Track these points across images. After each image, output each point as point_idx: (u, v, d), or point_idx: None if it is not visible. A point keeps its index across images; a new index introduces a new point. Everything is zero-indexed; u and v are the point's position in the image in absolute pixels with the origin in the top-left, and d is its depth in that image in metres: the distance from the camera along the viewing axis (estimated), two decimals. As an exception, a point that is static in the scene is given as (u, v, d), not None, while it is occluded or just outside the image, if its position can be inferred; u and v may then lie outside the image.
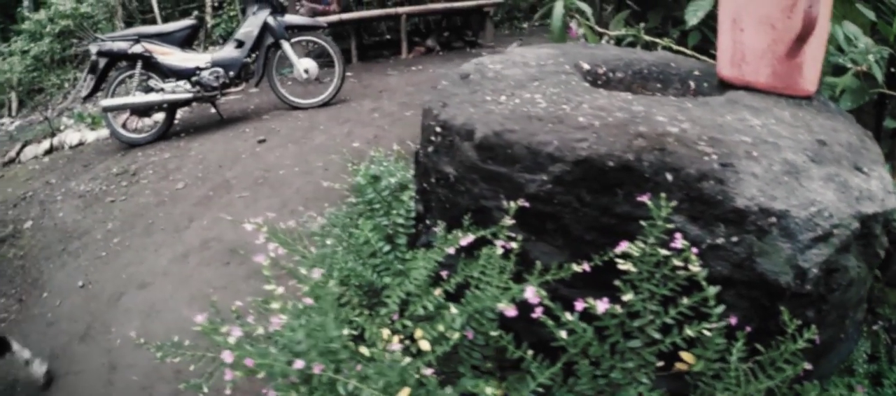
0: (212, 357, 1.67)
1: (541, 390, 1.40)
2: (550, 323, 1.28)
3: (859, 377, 1.84)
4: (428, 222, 1.97)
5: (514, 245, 1.48)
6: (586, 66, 2.14)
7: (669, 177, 1.40)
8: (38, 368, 2.97)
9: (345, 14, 8.51)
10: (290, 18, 6.35)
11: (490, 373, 1.59)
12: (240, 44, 6.16)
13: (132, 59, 5.93)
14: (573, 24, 3.09)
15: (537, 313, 1.28)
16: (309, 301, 1.47)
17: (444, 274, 1.66)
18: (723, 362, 1.37)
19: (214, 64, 6.05)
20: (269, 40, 6.18)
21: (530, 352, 1.36)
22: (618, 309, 1.29)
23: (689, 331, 1.32)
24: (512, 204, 1.50)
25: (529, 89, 1.81)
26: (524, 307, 1.35)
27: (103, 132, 6.93)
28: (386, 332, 1.54)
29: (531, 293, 1.26)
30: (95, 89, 6.09)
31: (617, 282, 1.33)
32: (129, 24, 9.59)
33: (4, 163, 7.19)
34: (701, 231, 1.40)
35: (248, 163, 5.11)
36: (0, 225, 5.18)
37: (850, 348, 1.78)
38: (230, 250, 3.76)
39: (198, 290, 3.40)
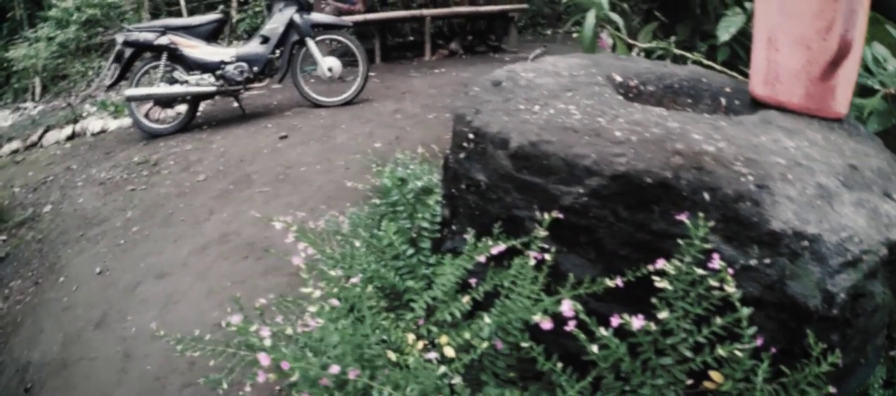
0: (232, 353, 1.67)
1: (568, 403, 1.39)
2: (582, 336, 1.27)
3: (875, 401, 1.83)
4: (454, 227, 1.96)
5: (547, 257, 1.47)
6: (618, 79, 2.13)
7: (707, 196, 1.39)
8: None
9: (370, 14, 8.54)
10: (316, 16, 6.38)
11: (512, 383, 1.59)
12: (265, 39, 6.19)
13: (158, 50, 5.99)
14: (603, 35, 3.08)
15: (570, 326, 1.27)
16: (335, 302, 1.47)
17: (471, 281, 1.66)
18: (747, 382, 1.36)
19: (239, 58, 6.09)
20: (295, 37, 6.22)
21: (559, 365, 1.35)
22: (652, 326, 1.28)
23: (720, 351, 1.31)
24: (546, 215, 1.49)
25: (563, 100, 1.80)
26: (555, 319, 1.34)
27: (126, 121, 6.98)
28: (411, 337, 1.53)
29: (568, 307, 1.26)
30: (120, 78, 6.15)
31: (652, 300, 1.33)
32: (155, 16, 9.68)
33: (26, 147, 7.26)
34: (735, 251, 1.40)
35: (269, 159, 5.13)
36: (20, 207, 5.24)
37: (869, 372, 1.77)
38: (249, 245, 3.77)
39: (216, 283, 3.41)
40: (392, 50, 9.48)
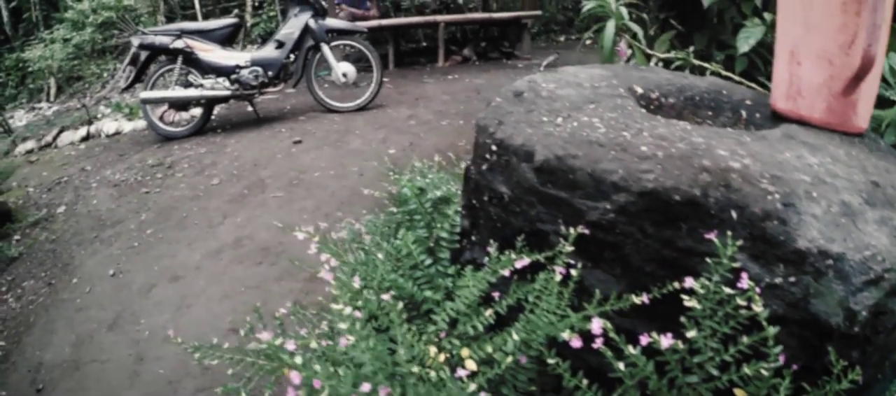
0: (251, 362, 1.67)
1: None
2: (610, 354, 1.26)
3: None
4: (474, 238, 1.96)
5: (574, 272, 1.47)
6: (640, 90, 2.13)
7: (734, 214, 1.39)
8: None
9: (384, 20, 8.57)
10: (331, 22, 6.40)
11: (532, 395, 1.59)
12: (280, 44, 6.22)
13: (173, 53, 6.02)
14: (622, 44, 3.08)
15: (597, 343, 1.27)
16: (357, 314, 1.47)
17: (494, 294, 1.65)
18: (769, 399, 1.36)
19: (254, 63, 6.12)
20: (310, 42, 6.24)
21: (584, 381, 1.35)
22: (680, 344, 1.27)
23: (746, 370, 1.30)
24: (571, 229, 1.49)
25: (586, 112, 1.80)
26: (581, 335, 1.34)
27: (140, 123, 7.02)
28: (433, 350, 1.53)
29: (597, 325, 1.25)
30: (135, 81, 6.18)
31: (681, 319, 1.32)
32: (170, 20, 9.75)
33: (41, 147, 7.30)
34: (761, 269, 1.39)
35: (283, 164, 5.14)
36: (34, 207, 5.25)
37: (885, 388, 1.76)
38: (263, 249, 3.78)
39: (230, 288, 3.42)
40: (405, 56, 9.50)
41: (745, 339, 1.31)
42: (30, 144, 7.39)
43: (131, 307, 3.44)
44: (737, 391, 1.38)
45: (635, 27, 3.02)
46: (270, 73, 6.17)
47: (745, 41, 2.66)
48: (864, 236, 1.42)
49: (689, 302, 1.31)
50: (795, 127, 1.87)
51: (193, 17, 9.73)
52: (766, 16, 2.71)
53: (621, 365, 1.28)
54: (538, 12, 9.76)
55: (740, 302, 1.30)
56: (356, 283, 1.69)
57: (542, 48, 10.47)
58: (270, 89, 6.31)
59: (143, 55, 6.02)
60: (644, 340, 1.25)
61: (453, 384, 1.31)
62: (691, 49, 2.97)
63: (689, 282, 1.32)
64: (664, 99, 2.17)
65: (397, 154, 4.98)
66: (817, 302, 1.38)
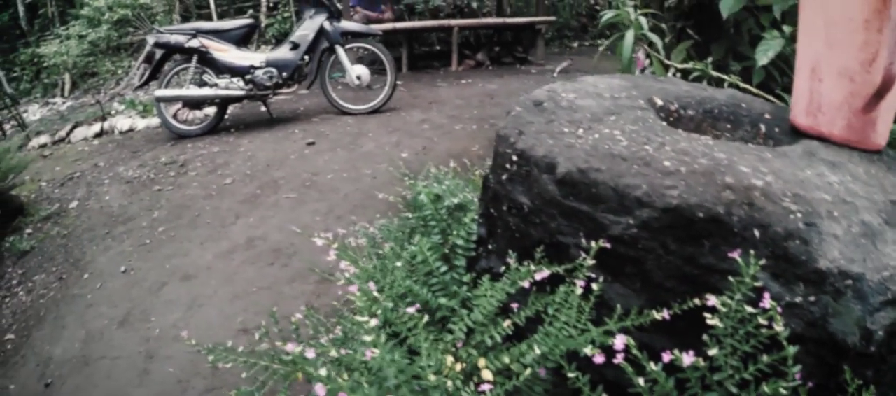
0: (264, 366, 1.67)
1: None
2: (630, 369, 1.26)
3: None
4: (490, 247, 1.96)
5: (595, 286, 1.47)
6: (659, 102, 2.12)
7: (757, 233, 1.38)
8: None
9: (398, 23, 8.58)
10: (346, 24, 6.43)
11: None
12: (295, 46, 6.24)
13: (188, 52, 6.05)
14: (640, 54, 3.07)
15: (618, 358, 1.27)
16: (374, 322, 1.47)
17: (512, 304, 1.65)
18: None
19: (269, 64, 6.14)
20: (324, 44, 6.26)
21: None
22: (701, 362, 1.27)
23: (766, 388, 1.30)
24: (593, 243, 1.48)
25: (606, 124, 1.79)
26: (602, 350, 1.34)
27: (154, 121, 7.05)
28: (450, 359, 1.53)
29: (620, 341, 1.25)
30: (150, 79, 6.22)
31: (703, 336, 1.32)
32: (185, 19, 9.80)
33: (54, 142, 7.35)
34: (781, 288, 1.39)
35: (296, 165, 5.15)
36: (46, 202, 5.28)
37: (895, 405, 1.77)
38: (275, 251, 3.78)
39: (241, 289, 3.43)
40: (419, 59, 9.51)
41: (765, 358, 1.31)
42: (43, 139, 7.44)
43: (142, 304, 3.45)
44: (755, 409, 1.38)
45: (653, 37, 3.01)
46: (285, 74, 6.19)
47: (765, 54, 2.64)
48: (883, 257, 1.43)
49: (711, 320, 1.31)
50: (816, 143, 1.86)
51: (209, 17, 9.77)
52: (786, 28, 2.70)
53: (641, 381, 1.27)
54: (552, 18, 9.77)
55: (761, 320, 1.30)
56: (372, 289, 1.69)
57: (555, 54, 10.48)
58: (284, 90, 6.33)
59: (159, 53, 6.05)
60: (666, 357, 1.25)
61: (473, 396, 1.31)
62: (709, 60, 2.96)
63: (712, 300, 1.32)
64: (683, 111, 2.16)
65: (410, 158, 4.98)
66: (835, 322, 1.39)
